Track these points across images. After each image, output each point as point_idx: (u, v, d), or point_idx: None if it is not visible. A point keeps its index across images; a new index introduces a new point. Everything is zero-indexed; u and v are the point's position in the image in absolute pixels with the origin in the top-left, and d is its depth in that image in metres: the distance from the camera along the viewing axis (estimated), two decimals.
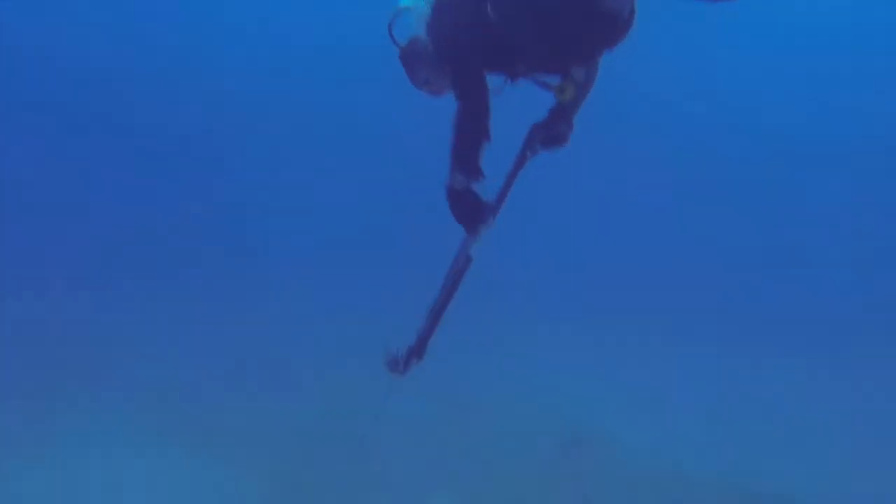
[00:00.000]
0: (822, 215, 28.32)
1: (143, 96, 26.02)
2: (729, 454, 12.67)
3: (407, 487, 10.72)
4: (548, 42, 5.37)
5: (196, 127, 26.17)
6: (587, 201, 28.63)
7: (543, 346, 17.70)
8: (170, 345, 15.53)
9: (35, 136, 23.93)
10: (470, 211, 5.67)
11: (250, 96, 26.70)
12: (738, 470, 12.05)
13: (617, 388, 15.20)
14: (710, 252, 26.20)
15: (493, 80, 5.59)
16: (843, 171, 27.70)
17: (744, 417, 14.32)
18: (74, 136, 25.04)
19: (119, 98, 25.76)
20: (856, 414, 14.94)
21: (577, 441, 12.51)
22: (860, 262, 26.12)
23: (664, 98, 27.98)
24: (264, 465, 10.88)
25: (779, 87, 28.91)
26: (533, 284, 20.71)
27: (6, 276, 16.86)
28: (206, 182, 24.55)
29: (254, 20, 28.17)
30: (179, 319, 17.31)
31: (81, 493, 9.92)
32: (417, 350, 5.93)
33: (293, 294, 19.66)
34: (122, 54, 26.34)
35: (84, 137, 25.04)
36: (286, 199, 25.43)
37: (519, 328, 18.06)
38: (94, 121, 25.58)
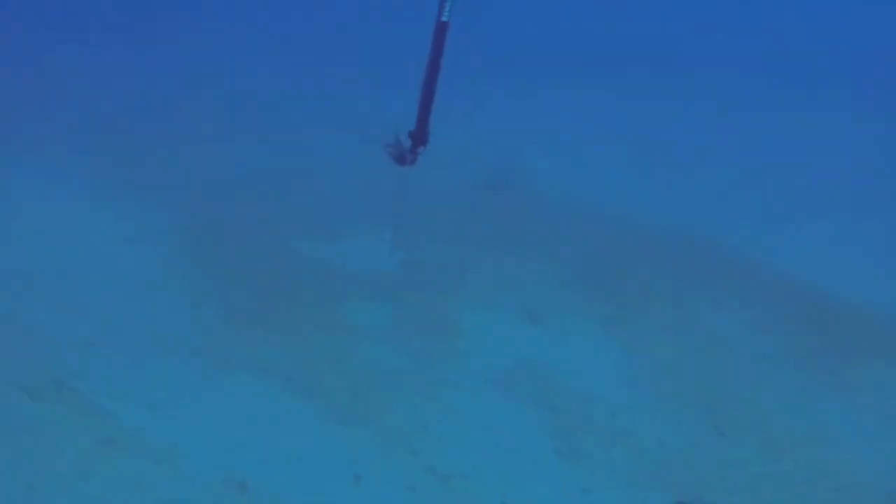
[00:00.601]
0: None
1: None
2: (649, 195, 12.98)
3: (334, 225, 10.87)
4: None
5: None
6: None
7: (470, 89, 17.71)
8: (106, 80, 15.38)
9: None
10: None
11: None
12: (658, 211, 12.40)
13: (540, 131, 15.32)
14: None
15: None
16: None
17: (666, 161, 14.57)
18: None
19: None
20: (781, 160, 15.31)
21: (501, 181, 12.68)
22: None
23: None
24: (188, 207, 10.98)
25: None
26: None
27: None
28: None
29: None
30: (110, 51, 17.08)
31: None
32: (420, 135, 5.80)
33: (249, 34, 19.40)
34: None
35: None
36: None
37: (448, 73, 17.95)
38: None
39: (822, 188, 14.03)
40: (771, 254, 11.36)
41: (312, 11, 21.66)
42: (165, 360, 7.98)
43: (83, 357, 7.90)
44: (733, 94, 18.69)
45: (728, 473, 7.33)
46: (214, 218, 10.78)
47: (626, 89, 18.42)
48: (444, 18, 5.66)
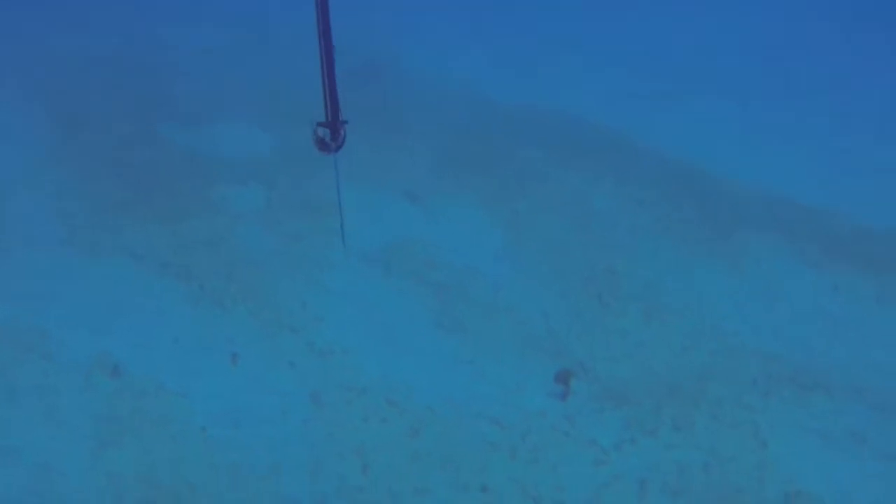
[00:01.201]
0: None
1: None
2: (524, 78, 13.07)
3: (201, 113, 10.60)
4: None
5: None
6: None
7: None
8: None
9: None
10: None
11: None
12: (533, 94, 12.52)
13: (410, 20, 15.07)
14: None
15: None
16: None
17: (540, 44, 14.58)
18: None
19: None
20: None
21: (373, 69, 12.45)
22: None
23: None
24: (49, 103, 10.57)
25: None
26: None
27: None
28: None
29: None
30: None
31: None
32: (334, 124, 5.76)
33: None
34: None
35: None
36: None
37: None
38: None
39: (696, 69, 14.09)
40: (646, 132, 11.41)
41: None
42: (32, 252, 7.71)
43: None
44: None
45: (611, 341, 7.39)
46: (77, 112, 10.40)
47: None
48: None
